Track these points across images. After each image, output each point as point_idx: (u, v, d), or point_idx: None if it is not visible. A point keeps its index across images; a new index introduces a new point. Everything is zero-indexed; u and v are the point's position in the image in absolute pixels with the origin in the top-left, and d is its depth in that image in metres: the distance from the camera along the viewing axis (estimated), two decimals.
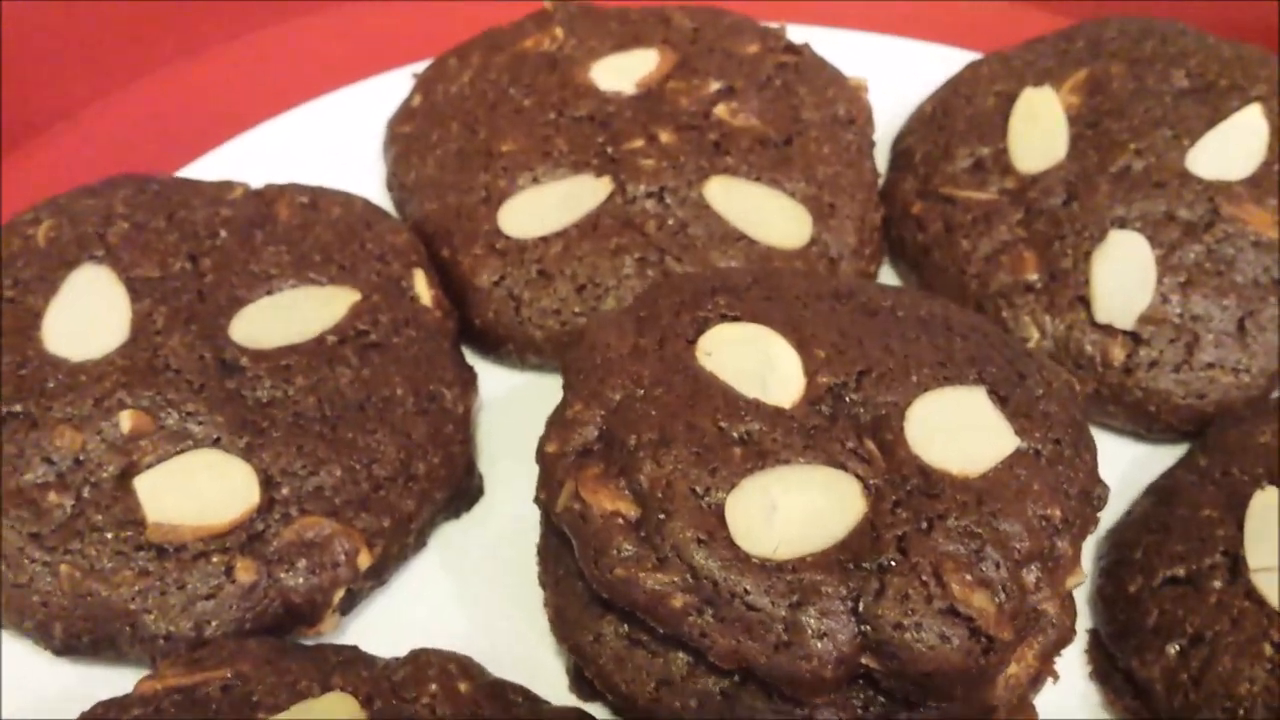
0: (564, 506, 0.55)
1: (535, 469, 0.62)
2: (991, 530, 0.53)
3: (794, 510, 0.54)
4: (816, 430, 0.56)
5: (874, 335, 0.61)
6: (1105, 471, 0.68)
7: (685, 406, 0.57)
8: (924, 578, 0.52)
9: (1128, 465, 0.72)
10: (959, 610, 0.51)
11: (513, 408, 0.74)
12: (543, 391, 0.73)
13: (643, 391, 0.58)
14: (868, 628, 0.51)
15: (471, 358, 0.75)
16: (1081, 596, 0.65)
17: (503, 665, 0.59)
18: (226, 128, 0.85)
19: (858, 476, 0.55)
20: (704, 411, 0.56)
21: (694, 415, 0.56)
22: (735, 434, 0.56)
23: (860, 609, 0.51)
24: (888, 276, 0.82)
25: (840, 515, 0.54)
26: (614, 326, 0.61)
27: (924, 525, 0.53)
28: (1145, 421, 0.71)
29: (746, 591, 0.52)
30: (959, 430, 0.57)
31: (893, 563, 0.52)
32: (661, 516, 0.53)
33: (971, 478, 0.55)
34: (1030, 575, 0.53)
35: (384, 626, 0.63)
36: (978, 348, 0.61)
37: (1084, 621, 0.65)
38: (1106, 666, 0.62)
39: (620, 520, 0.54)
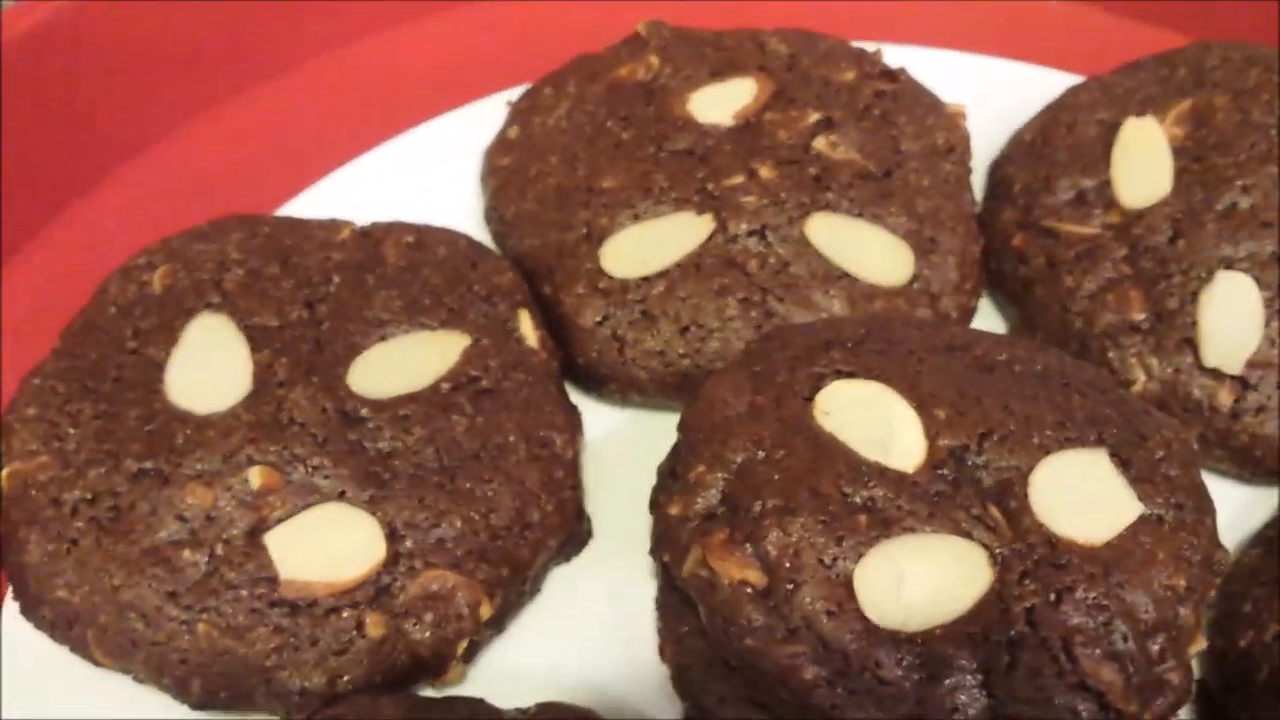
0: (690, 572, 0.56)
1: (642, 509, 0.63)
2: (1119, 602, 0.53)
3: (922, 580, 0.54)
4: (940, 496, 0.57)
5: (992, 393, 0.61)
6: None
7: (808, 471, 0.57)
8: (1054, 652, 0.52)
9: (1233, 508, 0.71)
10: (1088, 685, 0.51)
11: (616, 446, 0.75)
12: (646, 429, 0.75)
13: (764, 454, 0.58)
14: (997, 702, 0.52)
15: (573, 393, 0.75)
16: None
17: (621, 715, 0.60)
18: (312, 155, 0.86)
19: (984, 545, 0.55)
20: (827, 476, 0.57)
21: (817, 480, 0.57)
22: (859, 500, 0.56)
23: (990, 682, 0.52)
24: (986, 308, 0.82)
25: (968, 586, 0.54)
26: (730, 383, 0.62)
27: (1052, 597, 0.53)
28: (1251, 466, 0.71)
29: (878, 665, 0.52)
30: (1083, 496, 0.57)
31: (1023, 636, 0.53)
32: (790, 586, 0.54)
33: (1097, 546, 0.55)
34: (1156, 646, 0.54)
35: (504, 675, 0.64)
36: (1096, 406, 0.61)
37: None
38: (1213, 715, 0.63)
39: (749, 589, 0.54)
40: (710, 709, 0.58)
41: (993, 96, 0.89)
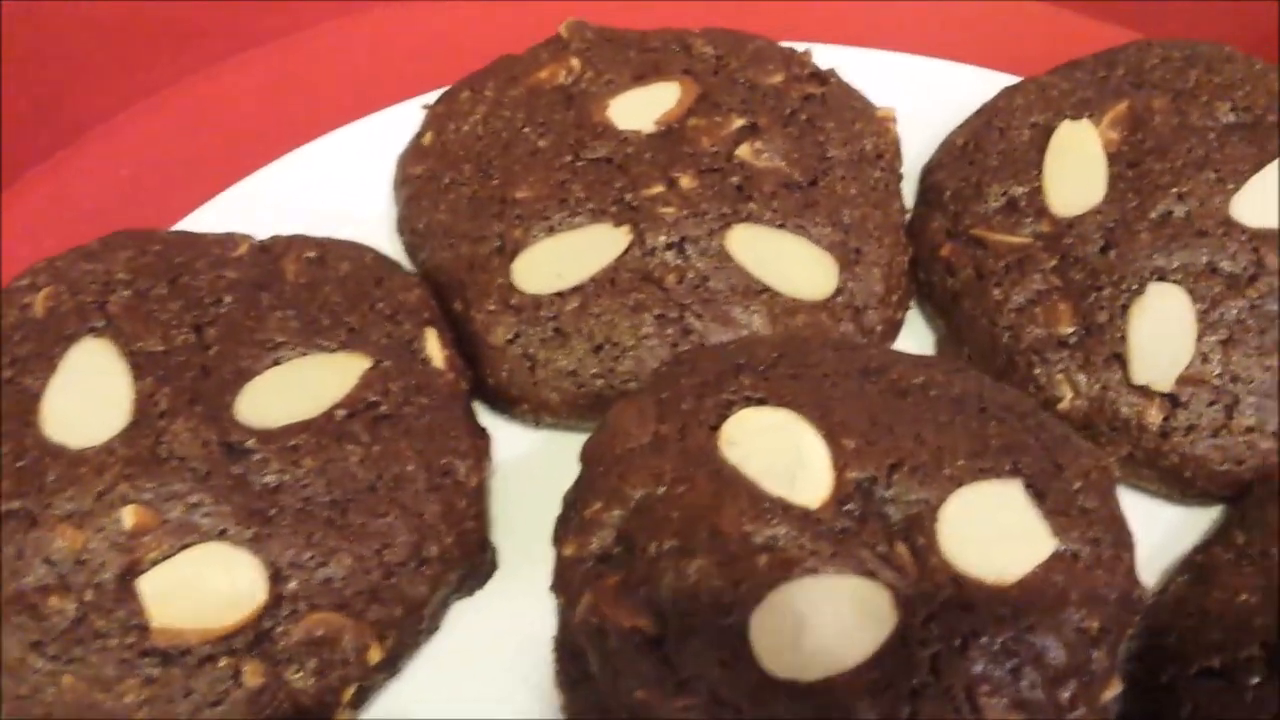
0: (582, 619, 0.53)
1: (550, 540, 0.60)
2: (1027, 647, 0.51)
3: (821, 626, 0.52)
4: (845, 534, 0.54)
5: (905, 421, 0.58)
6: (1139, 536, 0.66)
7: (708, 509, 0.55)
8: (957, 702, 0.50)
9: (1164, 530, 0.70)
10: None
11: (528, 470, 0.72)
12: (561, 450, 0.71)
13: (664, 489, 0.56)
14: None
15: (482, 412, 0.73)
16: None
17: None
18: (228, 165, 0.82)
19: (889, 585, 0.53)
20: (728, 514, 0.54)
21: (717, 519, 0.54)
22: (760, 540, 0.54)
23: None
24: (916, 321, 0.79)
25: (870, 630, 0.52)
26: (634, 412, 0.59)
27: (957, 643, 0.51)
28: (1181, 486, 0.69)
29: (771, 718, 0.50)
30: (995, 531, 0.55)
31: (924, 684, 0.50)
32: (682, 638, 0.51)
33: (1007, 585, 0.53)
34: (1066, 693, 0.51)
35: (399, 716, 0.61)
36: (1013, 433, 0.59)
37: None
38: None
39: (639, 638, 0.52)
40: None
41: (928, 98, 0.87)
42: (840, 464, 0.56)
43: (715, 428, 0.58)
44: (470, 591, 0.66)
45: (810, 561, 0.53)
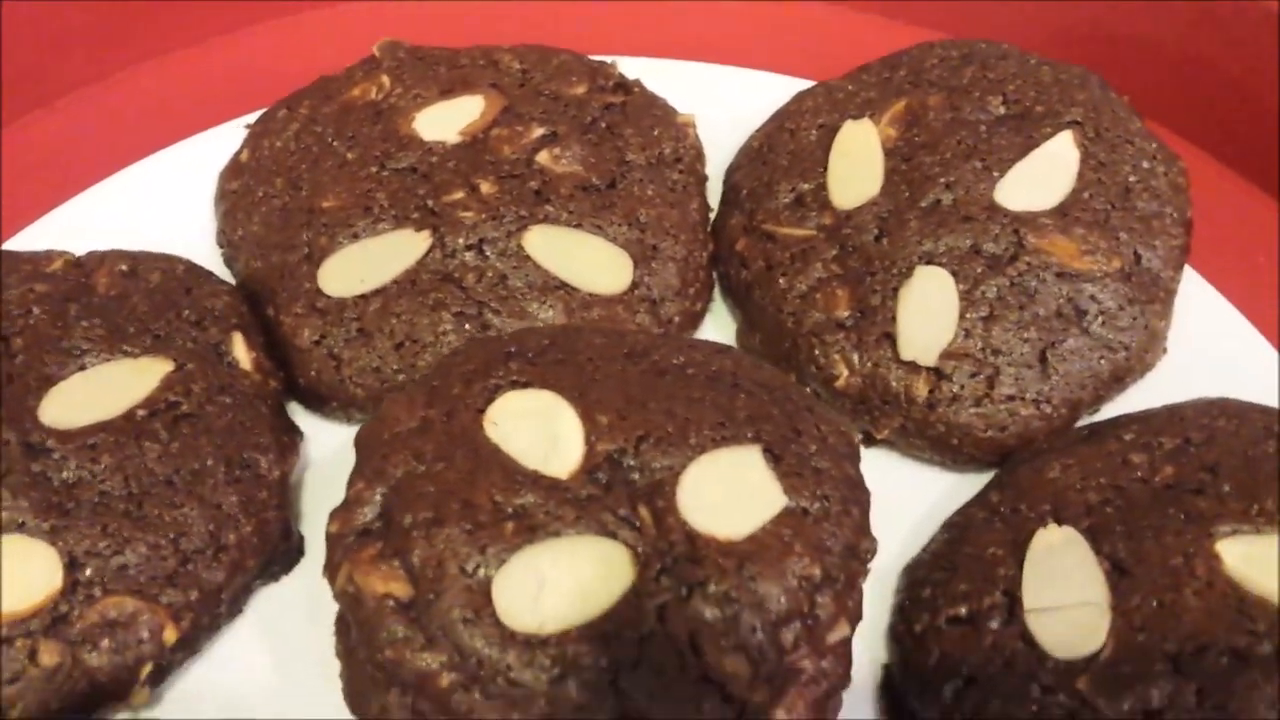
0: (340, 589, 0.57)
1: None
2: (749, 594, 0.55)
3: (561, 584, 0.56)
4: (590, 500, 0.58)
5: (659, 397, 0.63)
6: (913, 501, 0.72)
7: (463, 482, 0.58)
8: (679, 647, 0.54)
9: (937, 495, 0.74)
10: (711, 676, 0.53)
11: (343, 466, 0.75)
12: None
13: (424, 468, 0.60)
14: (625, 699, 0.53)
15: (303, 416, 0.76)
16: (875, 628, 0.68)
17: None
18: (62, 190, 0.86)
19: (627, 544, 0.57)
20: (481, 486, 0.58)
21: (471, 491, 0.58)
22: (510, 508, 0.58)
23: (619, 680, 0.53)
24: (722, 313, 0.83)
25: (608, 586, 0.56)
26: (404, 400, 0.63)
27: (684, 593, 0.55)
28: (949, 453, 0.74)
29: (509, 668, 0.54)
30: (730, 492, 0.59)
31: (651, 632, 0.54)
32: (431, 597, 0.55)
33: (736, 541, 0.57)
34: (788, 635, 0.55)
35: (199, 696, 0.64)
36: (760, 405, 0.63)
37: (877, 653, 0.67)
38: (896, 706, 0.65)
39: (392, 602, 0.55)
40: (372, 719, 0.59)
41: (738, 105, 0.91)
42: (592, 438, 0.61)
43: (481, 410, 0.62)
44: (275, 577, 0.69)
45: (554, 525, 0.57)
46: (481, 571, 0.56)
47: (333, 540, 0.59)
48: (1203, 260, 0.81)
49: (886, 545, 0.70)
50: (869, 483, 0.65)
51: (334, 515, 0.59)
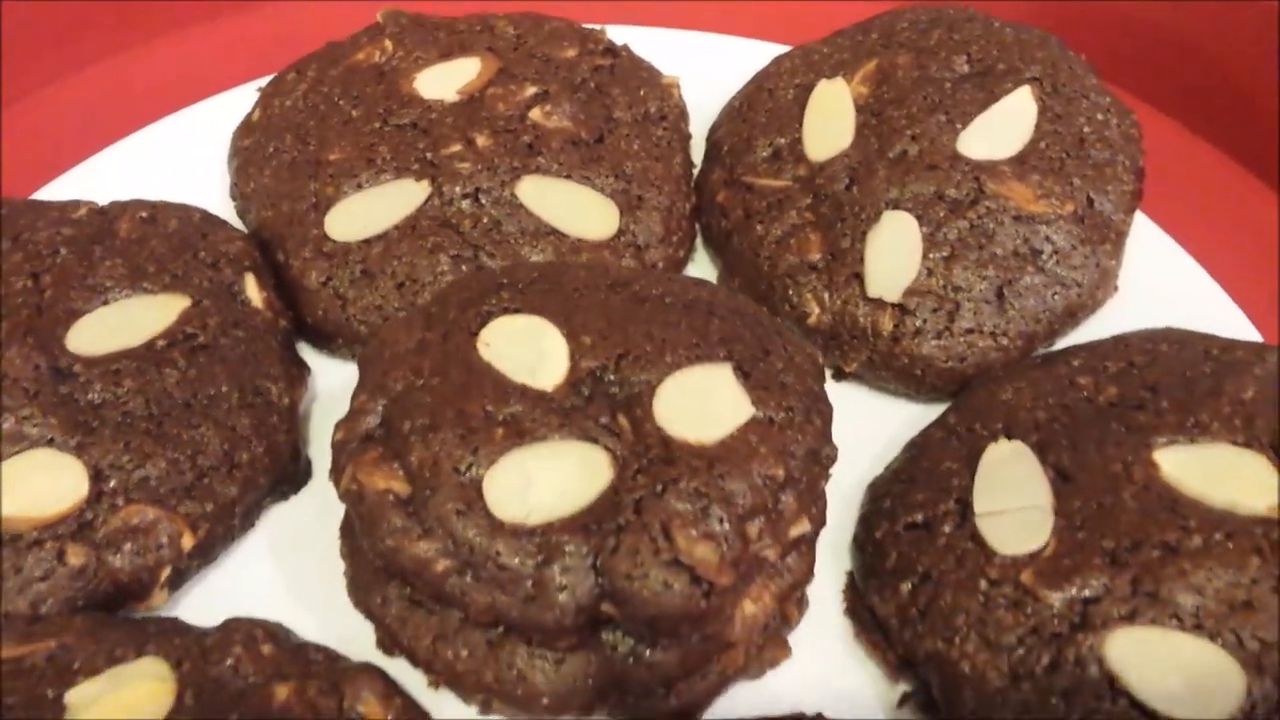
0: (345, 488, 0.62)
1: None
2: (718, 490, 0.60)
3: (547, 481, 0.61)
4: (574, 409, 0.64)
5: (638, 321, 0.68)
6: (880, 430, 0.77)
7: (457, 394, 0.64)
8: (653, 534, 0.59)
9: (901, 424, 0.79)
10: (682, 560, 0.58)
11: (348, 398, 0.80)
12: None
13: (421, 382, 0.65)
14: (604, 580, 0.58)
15: (311, 355, 0.82)
16: (844, 543, 0.73)
17: (317, 631, 0.66)
18: (89, 148, 0.92)
19: (607, 449, 0.62)
20: (474, 398, 0.64)
21: (464, 401, 0.63)
22: (500, 416, 0.63)
23: (598, 564, 0.59)
24: (704, 262, 0.89)
25: (588, 484, 0.61)
26: (403, 324, 0.69)
27: (659, 488, 0.60)
28: (913, 384, 0.79)
29: (498, 554, 0.59)
30: (702, 403, 0.64)
31: (628, 522, 0.59)
32: (427, 493, 0.61)
33: (707, 445, 0.62)
34: (754, 528, 0.60)
35: (213, 600, 0.70)
36: (732, 328, 0.68)
37: (845, 565, 0.72)
38: (858, 604, 0.70)
39: (392, 497, 0.61)
40: (375, 610, 0.64)
41: (721, 70, 0.97)
42: (576, 356, 0.66)
43: (475, 333, 0.67)
44: (285, 496, 0.74)
45: (541, 431, 0.62)
46: (473, 470, 0.61)
47: (338, 446, 0.64)
48: (1157, 209, 0.86)
49: (854, 470, 0.75)
50: (840, 415, 0.70)
51: (339, 425, 0.65)
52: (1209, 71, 0.96)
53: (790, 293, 0.81)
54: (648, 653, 0.61)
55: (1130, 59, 0.97)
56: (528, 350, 0.66)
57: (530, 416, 0.63)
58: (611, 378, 0.65)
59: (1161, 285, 0.83)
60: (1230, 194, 0.90)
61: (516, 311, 0.68)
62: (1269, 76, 0.93)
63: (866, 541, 0.70)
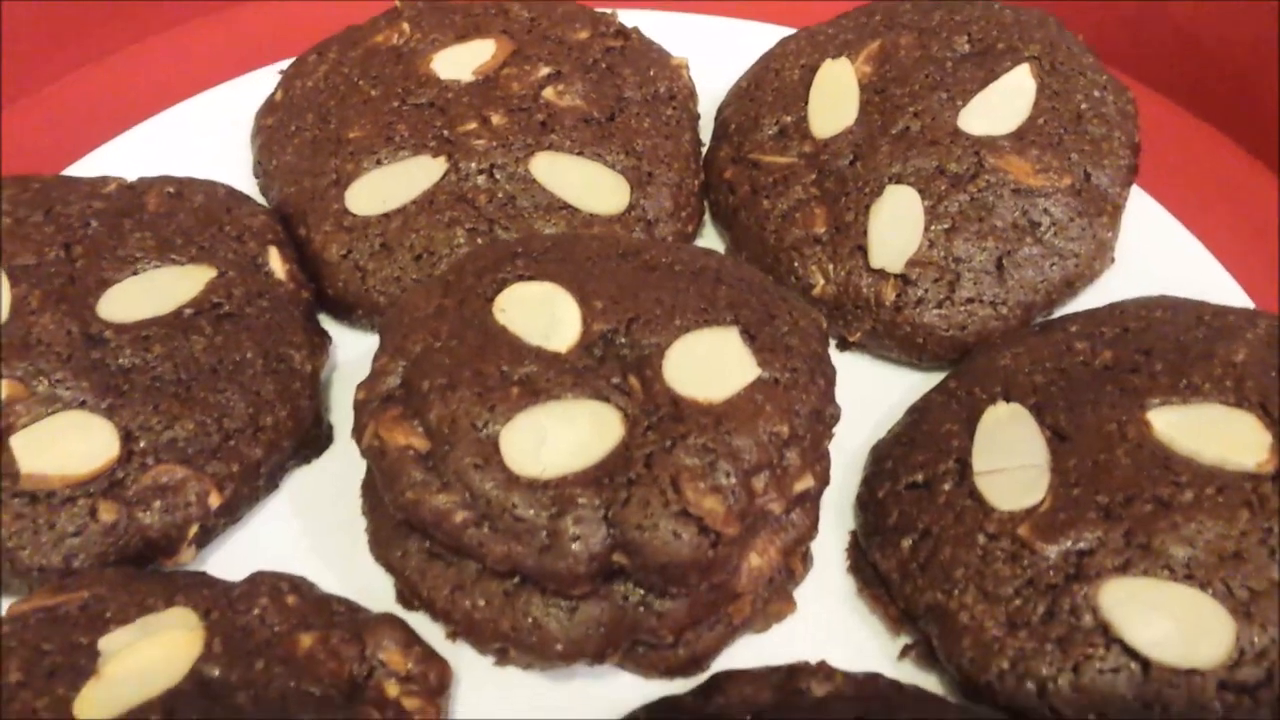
0: (367, 444, 0.65)
1: None
2: (725, 445, 0.63)
3: (561, 438, 0.63)
4: (586, 370, 0.66)
5: (648, 288, 0.70)
6: (884, 397, 0.79)
7: (474, 355, 0.66)
8: (663, 487, 0.61)
9: (904, 391, 0.81)
10: (690, 512, 0.61)
11: (368, 368, 0.83)
12: None
13: (440, 344, 0.67)
14: (616, 530, 0.61)
15: (332, 326, 0.84)
16: (848, 505, 0.75)
17: (339, 587, 0.69)
18: (114, 130, 0.95)
19: (618, 407, 0.65)
20: (490, 359, 0.66)
21: (481, 362, 0.66)
22: (515, 376, 0.65)
23: (610, 515, 0.61)
24: (712, 237, 0.91)
25: (601, 440, 0.63)
26: (422, 290, 0.71)
27: (668, 444, 0.63)
28: (915, 352, 0.81)
29: (515, 506, 0.61)
30: (710, 364, 0.67)
31: (638, 476, 0.62)
32: (446, 448, 0.63)
33: (715, 404, 0.65)
34: (759, 482, 0.63)
35: (238, 558, 0.72)
36: (739, 294, 0.71)
37: (849, 526, 0.75)
38: (860, 561, 0.72)
39: (412, 453, 0.63)
40: (395, 562, 0.67)
41: (730, 52, 0.99)
42: (588, 320, 0.68)
43: (490, 299, 0.70)
44: (308, 460, 0.77)
45: (555, 390, 0.65)
46: (490, 427, 0.63)
47: (360, 405, 0.66)
48: (1153, 184, 0.89)
49: (859, 435, 0.78)
50: (844, 384, 0.72)
51: (361, 385, 0.67)
52: (1203, 53, 0.98)
53: (796, 265, 0.83)
54: (658, 602, 0.63)
55: (1126, 40, 1.00)
56: (541, 315, 0.69)
57: (544, 376, 0.65)
58: (622, 340, 0.68)
59: (1157, 256, 0.85)
60: (1225, 170, 0.93)
61: (531, 279, 0.71)
62: (1263, 58, 0.95)
63: (869, 501, 0.73)
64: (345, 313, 0.85)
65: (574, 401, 0.64)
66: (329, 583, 0.69)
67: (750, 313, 0.69)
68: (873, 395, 0.81)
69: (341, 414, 0.81)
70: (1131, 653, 0.61)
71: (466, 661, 0.68)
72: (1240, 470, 0.65)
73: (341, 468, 0.77)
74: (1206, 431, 0.67)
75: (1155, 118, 0.91)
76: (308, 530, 0.74)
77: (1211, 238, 0.87)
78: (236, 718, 0.57)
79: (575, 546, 0.61)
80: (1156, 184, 0.89)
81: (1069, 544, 0.64)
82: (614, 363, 0.67)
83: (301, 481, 0.77)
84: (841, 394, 0.70)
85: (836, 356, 0.75)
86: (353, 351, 0.84)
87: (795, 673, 0.63)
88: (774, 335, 0.68)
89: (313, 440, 0.77)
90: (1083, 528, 0.65)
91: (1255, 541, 0.63)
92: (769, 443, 0.64)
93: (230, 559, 0.72)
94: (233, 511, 0.72)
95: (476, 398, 0.64)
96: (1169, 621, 0.61)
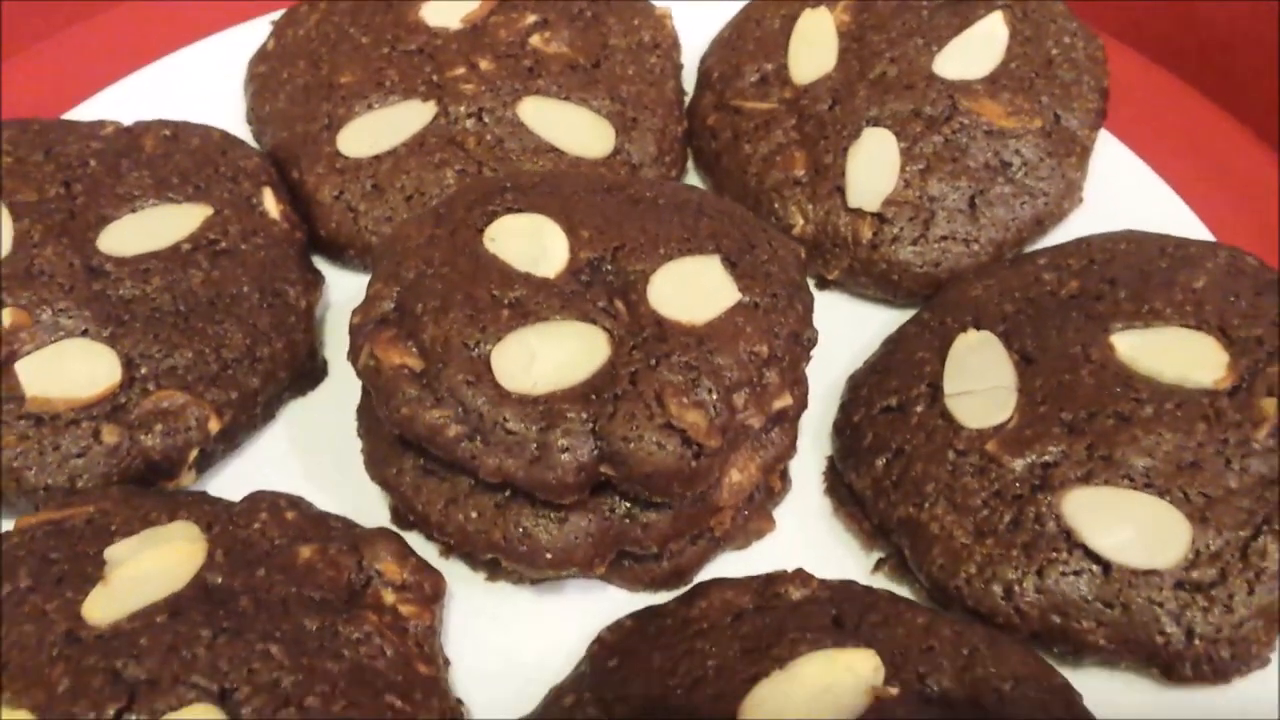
0: (363, 365, 0.67)
1: None
2: (707, 364, 0.65)
3: (550, 356, 0.66)
4: (574, 294, 0.69)
5: (633, 218, 0.73)
6: (861, 333, 0.82)
7: (466, 280, 0.69)
8: (647, 401, 0.64)
9: (880, 326, 0.84)
10: (674, 424, 0.63)
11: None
12: None
13: (432, 270, 0.70)
14: (603, 443, 0.64)
15: (325, 268, 0.87)
16: (825, 432, 0.78)
17: (335, 508, 0.71)
18: (110, 78, 0.97)
19: (605, 329, 0.67)
20: (481, 284, 0.69)
21: (472, 287, 0.68)
22: (505, 300, 0.68)
23: (597, 428, 0.64)
24: (694, 182, 0.94)
25: (588, 359, 0.66)
26: (414, 221, 0.74)
27: (653, 362, 0.65)
28: (891, 289, 0.84)
29: (505, 419, 0.64)
30: (693, 289, 0.69)
31: (624, 391, 0.64)
32: (439, 366, 0.66)
33: (697, 325, 0.67)
34: (740, 399, 0.66)
35: (237, 483, 0.75)
36: (720, 225, 0.73)
37: (826, 452, 0.77)
38: (836, 483, 0.75)
39: (406, 371, 0.66)
40: (390, 479, 0.69)
41: (712, 3, 1.02)
42: (575, 248, 0.71)
43: (481, 230, 0.72)
44: (303, 391, 0.80)
45: (543, 312, 0.68)
46: (482, 346, 0.66)
47: (355, 329, 0.69)
48: (1122, 130, 0.92)
49: (835, 370, 0.81)
50: (823, 321, 0.74)
51: (356, 311, 0.70)
52: (1173, 9, 1.01)
53: (776, 205, 0.86)
54: (643, 514, 0.66)
55: None
56: (530, 244, 0.71)
57: (534, 300, 0.68)
58: (609, 267, 0.70)
59: (1124, 197, 0.88)
60: (1190, 116, 0.95)
61: (520, 210, 0.73)
62: (1229, 11, 0.98)
63: (845, 426, 0.76)
64: (338, 253, 0.87)
65: (562, 322, 0.67)
66: (325, 505, 0.72)
67: (731, 242, 0.72)
68: (850, 332, 0.84)
69: (336, 351, 0.83)
70: (1093, 556, 0.64)
71: (459, 579, 0.70)
72: (1199, 387, 0.68)
73: (336, 401, 0.80)
74: (1167, 352, 0.70)
75: (1125, 70, 0.94)
76: (304, 458, 0.77)
77: (1178, 180, 0.90)
78: (241, 618, 0.60)
79: (564, 458, 0.63)
80: (1126, 133, 0.92)
81: (1034, 457, 0.67)
82: (600, 288, 0.69)
83: (297, 413, 0.79)
84: (821, 332, 0.73)
85: (816, 296, 0.77)
86: (345, 292, 0.87)
87: (773, 580, 0.66)
88: (754, 263, 0.71)
89: (308, 374, 0.79)
90: (1047, 442, 0.68)
91: (1212, 452, 0.66)
92: (749, 361, 0.66)
93: (229, 484, 0.75)
94: (231, 438, 0.75)
95: (468, 319, 0.67)
96: (1129, 527, 0.64)
